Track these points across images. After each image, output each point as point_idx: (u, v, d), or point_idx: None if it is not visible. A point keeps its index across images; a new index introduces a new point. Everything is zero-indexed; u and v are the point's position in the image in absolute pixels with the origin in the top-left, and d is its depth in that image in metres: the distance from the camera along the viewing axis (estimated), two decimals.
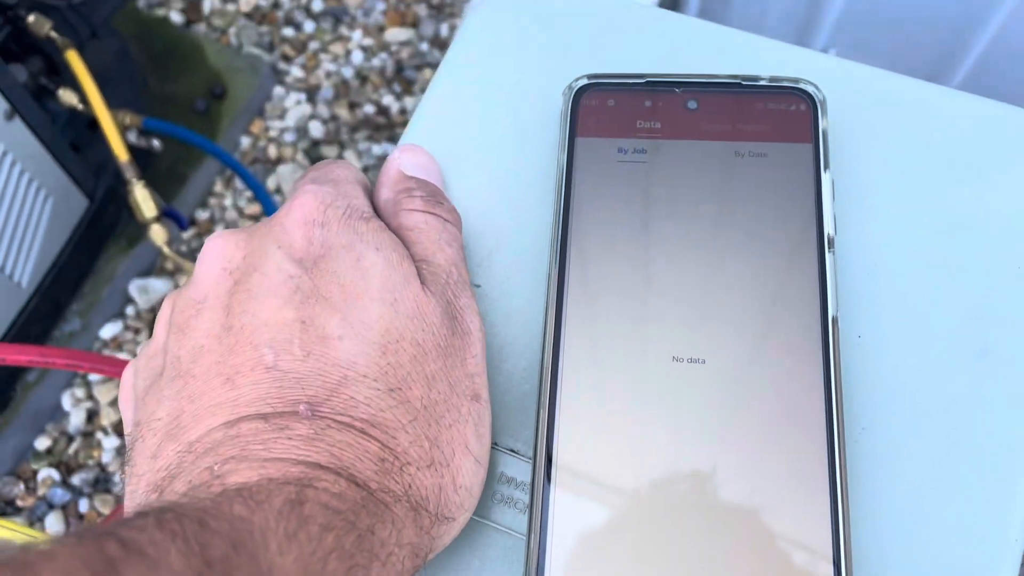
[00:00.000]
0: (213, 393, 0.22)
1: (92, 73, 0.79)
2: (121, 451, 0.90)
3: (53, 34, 0.79)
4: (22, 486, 0.89)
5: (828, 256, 0.25)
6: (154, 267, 1.02)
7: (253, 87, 1.10)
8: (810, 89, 0.28)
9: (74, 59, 0.78)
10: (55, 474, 0.90)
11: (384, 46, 1.16)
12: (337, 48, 1.16)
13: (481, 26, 0.33)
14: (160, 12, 1.17)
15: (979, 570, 0.23)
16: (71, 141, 0.88)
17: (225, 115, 1.08)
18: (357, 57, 1.15)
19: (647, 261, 0.26)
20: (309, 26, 1.18)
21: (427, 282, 0.24)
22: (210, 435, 0.21)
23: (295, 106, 1.11)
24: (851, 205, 0.28)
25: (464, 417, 0.23)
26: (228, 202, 1.06)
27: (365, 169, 1.07)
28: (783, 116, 0.28)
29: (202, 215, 1.05)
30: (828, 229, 0.26)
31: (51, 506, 0.88)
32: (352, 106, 1.12)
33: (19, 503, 0.88)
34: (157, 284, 1.00)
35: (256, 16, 1.18)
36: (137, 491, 0.22)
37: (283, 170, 1.07)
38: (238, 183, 1.07)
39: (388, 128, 1.10)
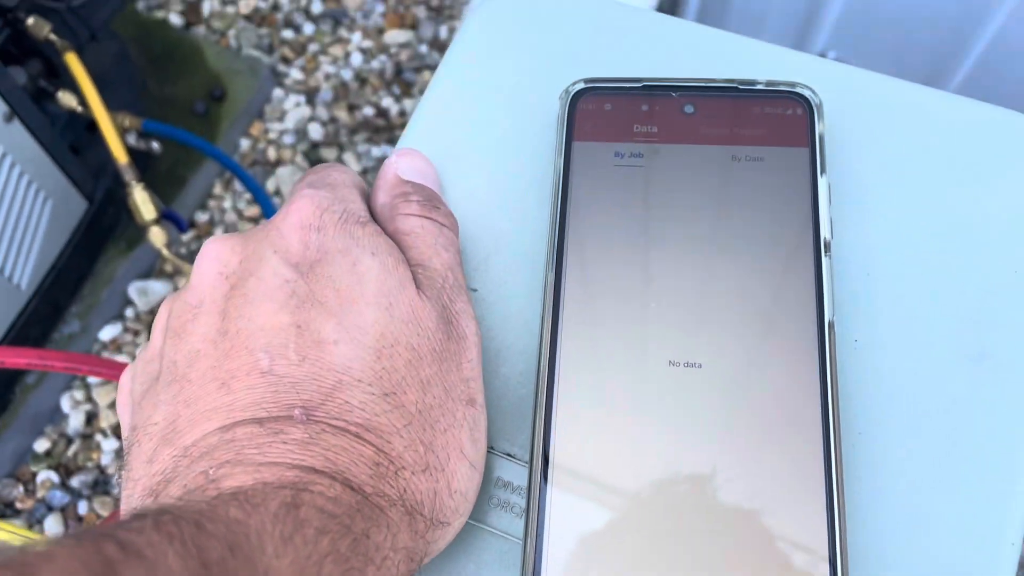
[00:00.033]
0: (209, 398, 0.22)
1: (91, 75, 0.79)
2: (120, 454, 0.90)
3: (52, 36, 0.79)
4: (21, 488, 0.89)
5: (824, 260, 0.25)
6: (153, 269, 1.02)
7: (252, 89, 1.10)
8: (807, 93, 0.28)
9: (73, 61, 0.78)
10: (54, 476, 0.89)
11: (383, 48, 1.16)
12: (336, 50, 1.16)
13: (480, 29, 0.33)
14: (159, 14, 1.17)
15: (977, 572, 0.23)
16: (70, 143, 0.88)
17: (224, 117, 1.08)
18: (356, 59, 1.15)
19: (644, 265, 0.26)
20: (308, 28, 1.18)
21: (423, 286, 0.24)
22: (206, 439, 0.21)
23: (294, 108, 1.11)
24: (848, 209, 0.28)
25: (459, 422, 0.23)
26: (227, 204, 1.06)
27: (364, 171, 1.07)
28: (780, 120, 0.28)
29: (201, 217, 1.05)
30: (824, 233, 0.26)
31: (50, 508, 0.88)
32: (351, 108, 1.12)
33: (18, 505, 0.88)
34: (156, 286, 1.00)
35: (255, 18, 1.18)
36: (133, 495, 0.22)
37: (282, 172, 1.07)
38: (237, 185, 1.07)
39: (387, 130, 1.10)
